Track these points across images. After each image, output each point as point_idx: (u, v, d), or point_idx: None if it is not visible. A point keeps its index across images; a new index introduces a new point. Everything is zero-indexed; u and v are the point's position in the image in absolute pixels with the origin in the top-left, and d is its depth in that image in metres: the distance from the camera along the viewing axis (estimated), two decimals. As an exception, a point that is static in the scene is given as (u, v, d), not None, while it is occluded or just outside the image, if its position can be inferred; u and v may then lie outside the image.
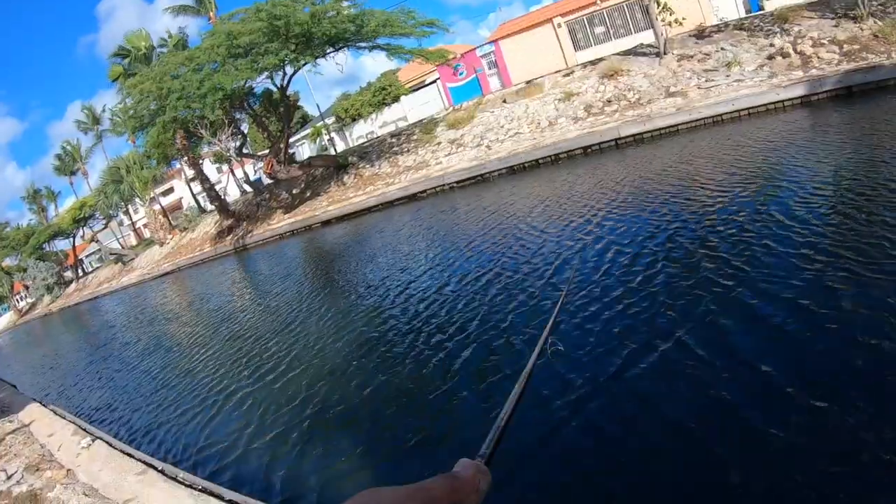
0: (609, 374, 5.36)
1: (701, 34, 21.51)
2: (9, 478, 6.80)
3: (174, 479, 5.71)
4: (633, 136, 17.53)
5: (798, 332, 4.95)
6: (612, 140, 18.01)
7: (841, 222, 6.87)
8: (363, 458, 5.68)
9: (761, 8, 23.61)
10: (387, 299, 10.82)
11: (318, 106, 40.98)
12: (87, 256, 63.26)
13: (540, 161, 19.68)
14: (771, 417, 4.07)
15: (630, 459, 4.22)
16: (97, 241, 55.60)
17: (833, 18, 17.54)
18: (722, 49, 19.53)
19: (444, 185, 22.33)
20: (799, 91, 14.79)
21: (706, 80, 18.45)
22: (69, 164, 55.61)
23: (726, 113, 15.73)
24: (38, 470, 6.89)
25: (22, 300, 62.76)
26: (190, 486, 5.44)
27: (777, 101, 14.99)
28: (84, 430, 8.21)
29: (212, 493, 5.22)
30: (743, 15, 24.20)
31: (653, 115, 17.78)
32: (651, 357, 5.44)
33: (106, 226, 54.90)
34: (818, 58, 16.39)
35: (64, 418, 9.23)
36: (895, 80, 13.71)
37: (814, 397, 4.16)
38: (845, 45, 16.14)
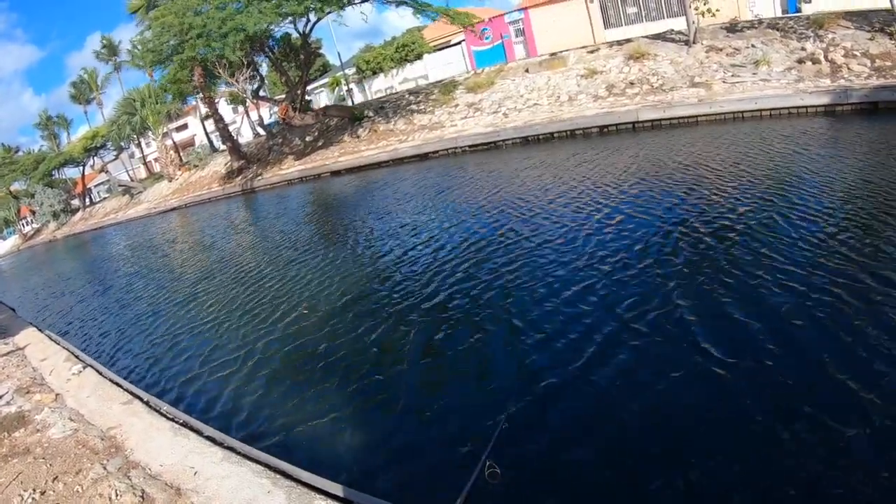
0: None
1: (733, 28, 21.18)
2: (-1, 398, 6.93)
3: (157, 411, 5.87)
4: (652, 121, 17.38)
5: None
6: (629, 122, 17.89)
7: (846, 238, 6.83)
8: (341, 403, 5.84)
9: (798, 10, 23.12)
10: (381, 253, 11.06)
11: (339, 55, 40.63)
12: (95, 186, 63.16)
13: (555, 135, 19.59)
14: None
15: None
16: (107, 172, 55.59)
17: (869, 31, 17.20)
18: (752, 46, 19.24)
19: (456, 147, 22.29)
20: (824, 99, 14.58)
21: (732, 75, 18.24)
22: (85, 92, 55.24)
23: (748, 111, 15.58)
24: (28, 392, 6.99)
25: (27, 225, 62.64)
26: (171, 420, 5.60)
27: (801, 106, 14.82)
28: (76, 356, 8.38)
29: (191, 428, 5.38)
30: (779, 14, 23.70)
31: (674, 103, 17.61)
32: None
33: (117, 157, 54.76)
34: (848, 69, 16.14)
35: (58, 344, 9.38)
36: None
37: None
38: (877, 60, 15.88)
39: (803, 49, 17.85)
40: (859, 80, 15.41)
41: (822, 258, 6.42)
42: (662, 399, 4.73)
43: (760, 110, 15.37)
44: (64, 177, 56.72)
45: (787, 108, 15.02)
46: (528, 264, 8.34)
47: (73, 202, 56.59)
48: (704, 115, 16.34)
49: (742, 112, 15.67)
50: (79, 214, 53.43)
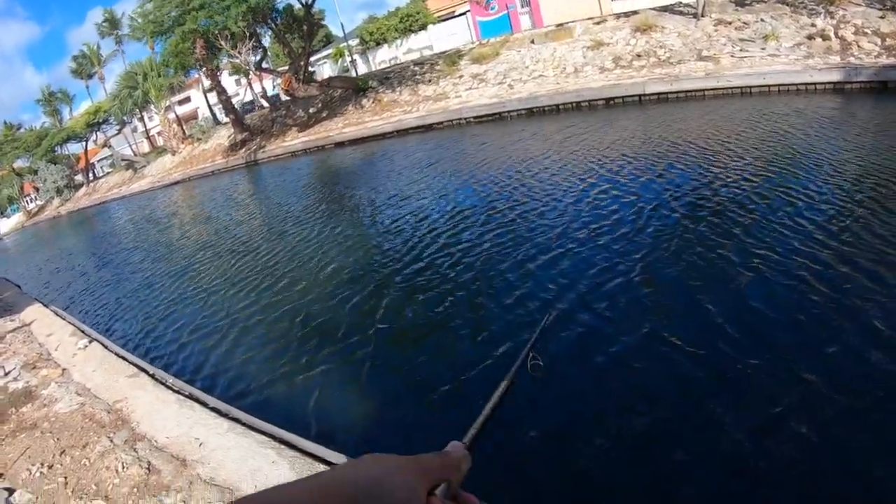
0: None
1: (742, 1, 20.67)
2: (6, 374, 7.00)
3: (163, 383, 5.90)
4: (658, 94, 17.13)
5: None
6: (636, 95, 17.62)
7: (824, 221, 6.71)
8: (348, 373, 5.87)
9: (810, -16, 22.52)
10: (385, 225, 11.14)
11: (342, 26, 39.97)
12: (98, 161, 62.97)
13: (560, 107, 19.35)
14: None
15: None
16: (110, 147, 55.31)
17: (880, 10, 16.68)
18: (762, 20, 18.79)
19: (461, 118, 22.10)
20: (834, 76, 14.25)
21: (740, 50, 17.86)
22: (87, 67, 54.71)
23: (756, 86, 15.26)
24: (34, 368, 7.09)
25: (31, 202, 62.44)
26: (177, 392, 5.63)
27: (809, 83, 14.51)
28: (82, 331, 8.46)
29: (197, 400, 5.41)
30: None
31: (681, 77, 17.31)
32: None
33: (119, 132, 54.46)
34: (858, 46, 15.72)
35: (63, 319, 9.48)
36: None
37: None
38: (888, 39, 15.45)
39: (813, 25, 17.43)
40: (869, 58, 15.03)
41: (795, 241, 6.33)
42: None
43: (768, 86, 15.05)
44: (67, 152, 56.35)
45: (796, 84, 14.71)
46: (506, 233, 8.66)
47: (76, 178, 56.36)
48: (712, 89, 16.05)
49: (750, 87, 15.35)
50: (82, 190, 53.34)
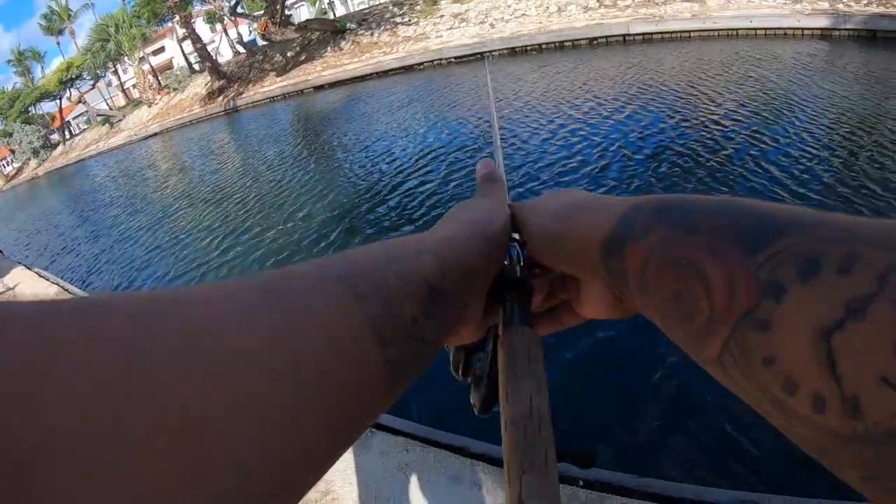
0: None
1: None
2: (-9, 342, 6.87)
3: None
4: (643, 34, 16.97)
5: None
6: (620, 35, 17.45)
7: (810, 163, 6.57)
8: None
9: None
10: (351, 167, 11.27)
11: (319, -32, 39.02)
12: (74, 118, 61.42)
13: (543, 46, 19.19)
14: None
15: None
16: (84, 103, 54.05)
17: None
18: (749, -39, 18.39)
19: (442, 59, 21.89)
20: (821, 22, 13.99)
21: (728, -9, 17.54)
22: (56, 23, 53.05)
23: (742, 28, 15.11)
24: (20, 332, 6.97)
25: (8, 165, 61.22)
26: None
27: (797, 28, 14.30)
28: (66, 290, 8.38)
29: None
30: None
31: (666, 17, 17.10)
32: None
33: (93, 86, 53.19)
34: None
35: (47, 280, 9.33)
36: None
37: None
38: None
39: (802, -31, 17.04)
40: (858, 6, 14.65)
41: (753, 184, 6.25)
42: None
43: (755, 29, 14.87)
44: (41, 112, 55.19)
45: (783, 28, 14.51)
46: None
47: (52, 137, 55.14)
48: (697, 31, 15.88)
49: (736, 29, 15.20)
50: (59, 149, 52.07)
